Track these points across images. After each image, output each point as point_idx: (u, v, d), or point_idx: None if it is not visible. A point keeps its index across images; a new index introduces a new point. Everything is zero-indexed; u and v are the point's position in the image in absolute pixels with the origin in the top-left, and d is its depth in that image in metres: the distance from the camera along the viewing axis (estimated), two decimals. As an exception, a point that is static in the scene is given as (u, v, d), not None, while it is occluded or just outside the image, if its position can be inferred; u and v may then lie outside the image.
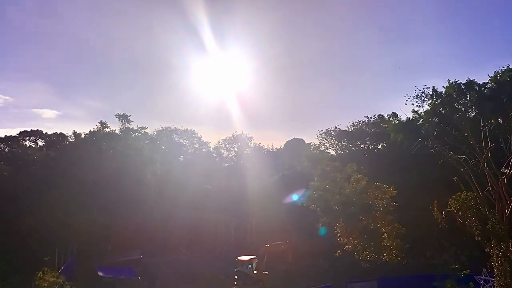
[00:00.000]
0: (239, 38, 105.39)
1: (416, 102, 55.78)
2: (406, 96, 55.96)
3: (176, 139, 79.87)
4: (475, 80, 53.18)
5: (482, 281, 30.15)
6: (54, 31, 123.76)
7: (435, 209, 25.07)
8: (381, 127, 62.95)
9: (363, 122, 67.71)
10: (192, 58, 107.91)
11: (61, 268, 37.79)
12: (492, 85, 52.32)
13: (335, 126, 69.89)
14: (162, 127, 78.68)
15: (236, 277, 40.38)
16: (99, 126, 59.19)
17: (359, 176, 38.56)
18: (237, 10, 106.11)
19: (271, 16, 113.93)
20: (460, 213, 23.57)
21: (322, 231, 43.88)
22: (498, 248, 21.77)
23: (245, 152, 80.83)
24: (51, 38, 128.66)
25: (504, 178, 22.93)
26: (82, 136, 61.26)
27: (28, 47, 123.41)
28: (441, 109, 52.59)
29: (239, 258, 42.00)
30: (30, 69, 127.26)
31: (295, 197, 50.03)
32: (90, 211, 47.20)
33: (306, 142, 76.71)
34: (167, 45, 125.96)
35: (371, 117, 67.32)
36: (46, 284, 28.69)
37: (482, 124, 24.47)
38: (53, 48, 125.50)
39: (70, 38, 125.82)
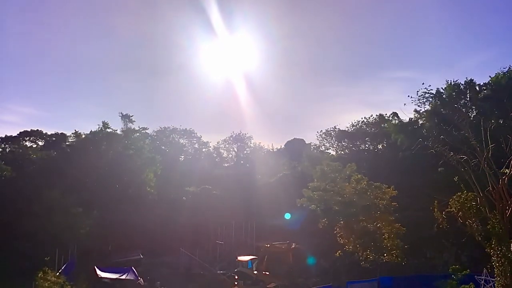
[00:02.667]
0: (247, 19, 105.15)
1: (416, 102, 55.93)
2: (409, 96, 56.27)
3: (176, 139, 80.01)
4: (475, 80, 53.37)
5: (483, 282, 30.05)
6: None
7: (436, 209, 25.03)
8: (382, 127, 62.93)
9: (363, 122, 67.78)
10: (198, 40, 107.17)
11: (61, 268, 37.83)
12: (492, 86, 52.31)
13: (335, 127, 70.12)
14: (160, 128, 78.98)
15: (236, 277, 40.38)
16: (101, 126, 58.91)
17: (359, 176, 38.60)
18: None
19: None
20: (460, 213, 23.52)
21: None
22: (499, 249, 21.72)
23: (244, 152, 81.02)
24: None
25: (505, 178, 22.83)
26: (83, 136, 61.12)
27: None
28: (441, 109, 52.55)
29: (239, 258, 42.00)
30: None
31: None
32: (90, 211, 47.17)
33: (306, 142, 76.89)
34: (172, 25, 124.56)
35: (371, 117, 67.52)
36: (46, 284, 28.72)
37: (482, 124, 24.34)
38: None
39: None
